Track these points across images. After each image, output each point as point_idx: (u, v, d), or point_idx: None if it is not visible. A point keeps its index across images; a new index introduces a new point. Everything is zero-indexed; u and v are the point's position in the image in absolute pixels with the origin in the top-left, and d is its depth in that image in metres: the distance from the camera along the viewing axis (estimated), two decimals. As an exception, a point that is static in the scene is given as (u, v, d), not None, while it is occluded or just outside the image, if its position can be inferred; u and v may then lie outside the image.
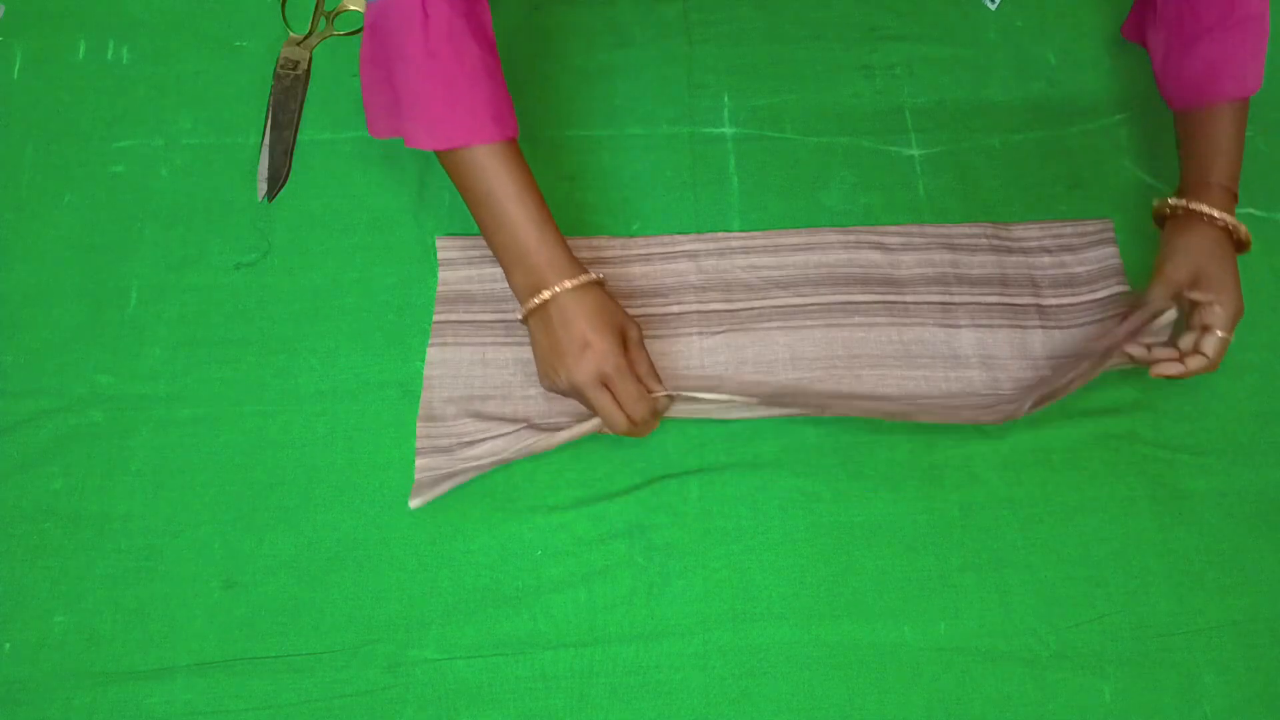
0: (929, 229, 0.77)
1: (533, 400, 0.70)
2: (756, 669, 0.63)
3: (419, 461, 0.68)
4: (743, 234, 0.77)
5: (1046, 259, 0.76)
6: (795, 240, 0.77)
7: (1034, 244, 0.77)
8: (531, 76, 0.83)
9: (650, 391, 0.64)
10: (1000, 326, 0.73)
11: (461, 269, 0.75)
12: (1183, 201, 0.69)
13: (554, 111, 0.82)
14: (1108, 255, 0.76)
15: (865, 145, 0.81)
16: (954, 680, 0.63)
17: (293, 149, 0.80)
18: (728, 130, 0.82)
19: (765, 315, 0.74)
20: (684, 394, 0.66)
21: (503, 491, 0.68)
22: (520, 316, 0.65)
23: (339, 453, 0.69)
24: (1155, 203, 0.72)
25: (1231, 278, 0.68)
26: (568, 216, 0.76)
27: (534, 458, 0.69)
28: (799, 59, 0.85)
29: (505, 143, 0.64)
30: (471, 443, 0.69)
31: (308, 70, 0.84)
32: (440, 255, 0.75)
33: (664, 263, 0.76)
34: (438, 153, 0.65)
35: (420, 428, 0.69)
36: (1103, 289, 0.75)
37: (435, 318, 0.73)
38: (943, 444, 0.70)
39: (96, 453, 0.69)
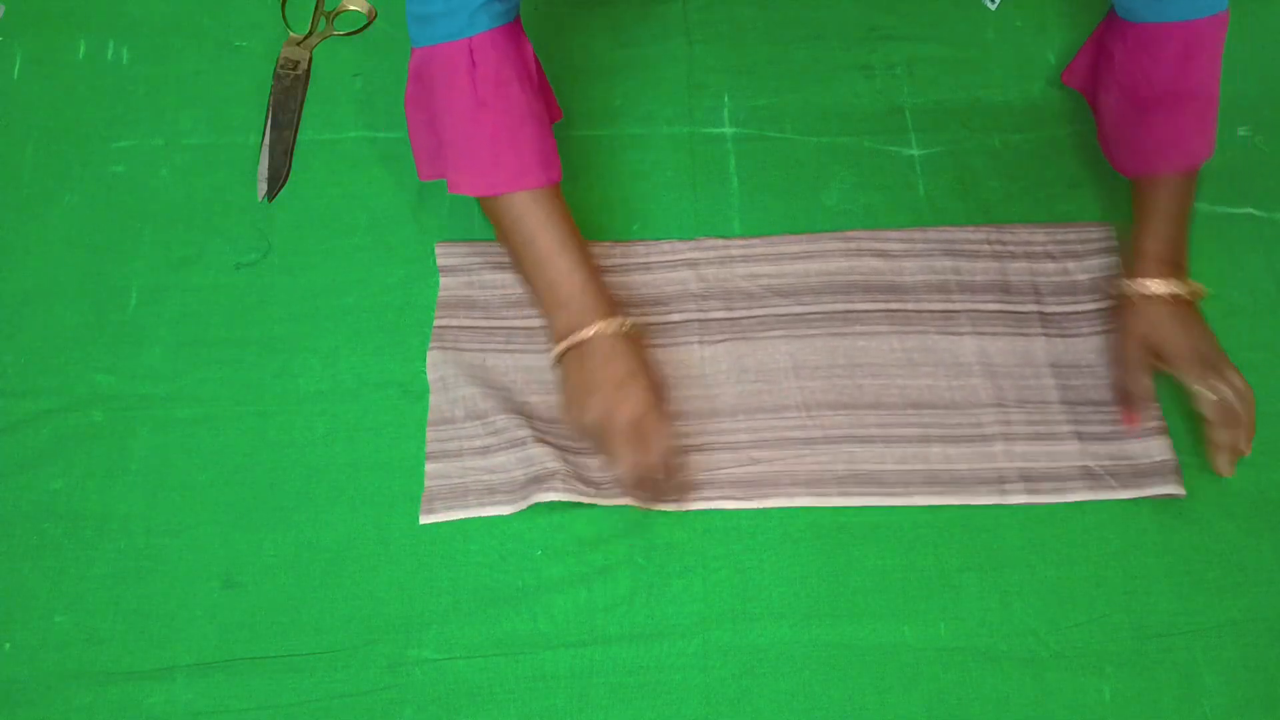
0: (931, 233, 0.77)
1: (531, 405, 0.70)
2: (756, 669, 0.63)
3: (429, 467, 0.68)
4: (742, 241, 0.76)
5: (1050, 265, 0.76)
6: (796, 248, 0.76)
7: (1038, 249, 0.76)
8: (531, 76, 0.83)
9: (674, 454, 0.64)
10: (1002, 334, 0.73)
11: (462, 275, 0.75)
12: (1124, 286, 0.68)
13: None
14: (1111, 265, 0.75)
15: (865, 145, 0.81)
16: (954, 680, 0.63)
17: (293, 149, 0.80)
18: (728, 130, 0.82)
19: (767, 324, 0.73)
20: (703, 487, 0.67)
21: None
22: (556, 354, 0.65)
23: (339, 453, 0.69)
24: (1111, 284, 0.71)
25: (1187, 331, 0.66)
26: (568, 216, 0.76)
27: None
28: (799, 59, 0.85)
29: (549, 188, 0.64)
30: (483, 450, 0.68)
31: (308, 70, 0.84)
32: (440, 262, 0.75)
33: (664, 271, 0.75)
34: (480, 199, 0.66)
35: (430, 432, 0.69)
36: (1105, 299, 0.74)
37: (436, 323, 0.73)
38: (943, 444, 0.70)
39: (96, 453, 0.69)
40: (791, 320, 0.73)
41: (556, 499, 0.65)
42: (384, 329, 0.73)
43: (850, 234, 0.77)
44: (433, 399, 0.70)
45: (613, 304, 0.66)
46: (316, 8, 0.87)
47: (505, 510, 0.66)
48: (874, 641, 0.64)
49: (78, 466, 0.68)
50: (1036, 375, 0.72)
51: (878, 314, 0.74)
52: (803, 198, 0.79)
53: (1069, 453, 0.69)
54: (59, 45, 0.84)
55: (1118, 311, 0.70)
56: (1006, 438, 0.69)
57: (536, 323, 0.73)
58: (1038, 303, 0.74)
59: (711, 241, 0.76)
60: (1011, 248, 0.76)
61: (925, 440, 0.69)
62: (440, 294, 0.74)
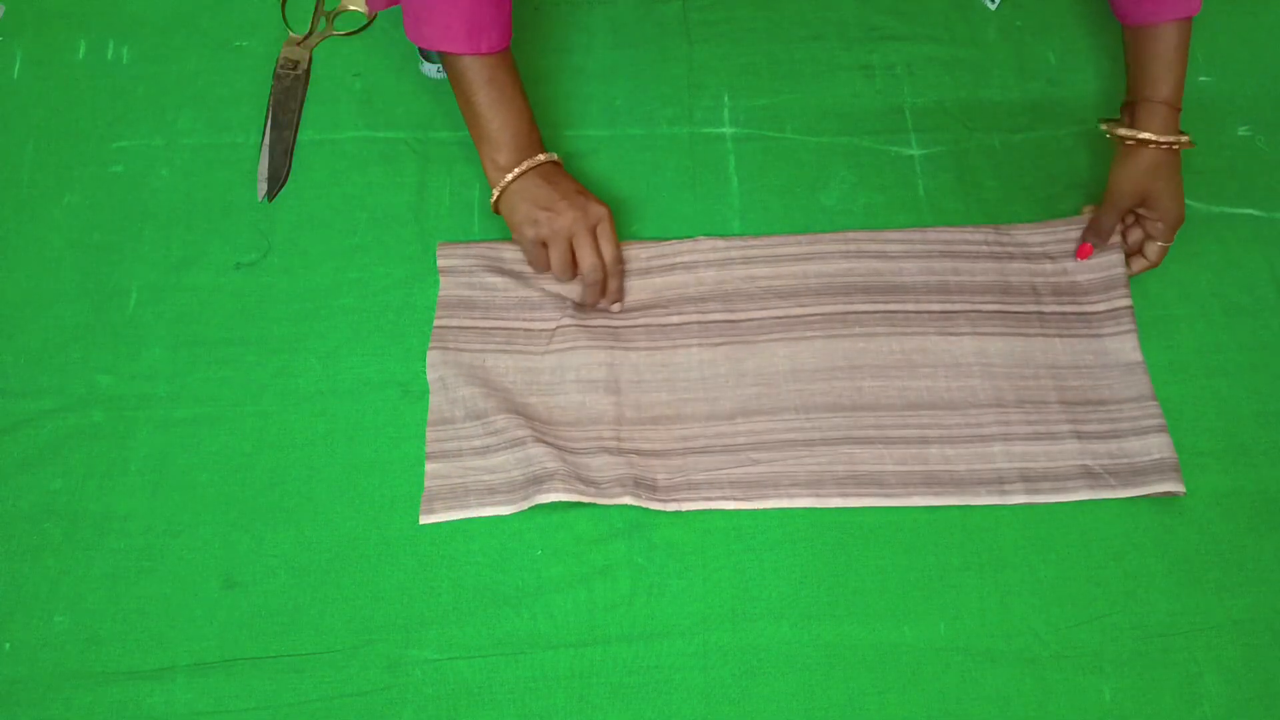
0: (930, 234, 0.77)
1: (531, 407, 0.70)
2: (756, 669, 0.63)
3: (429, 467, 0.68)
4: (741, 241, 0.76)
5: (1049, 265, 0.76)
6: (794, 250, 0.76)
7: (1037, 249, 0.76)
8: (531, 76, 0.83)
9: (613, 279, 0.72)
10: (1001, 335, 0.73)
11: (462, 276, 0.75)
12: (1132, 132, 0.72)
13: (554, 111, 0.82)
14: (1113, 264, 0.75)
15: (865, 145, 0.81)
16: (954, 680, 0.63)
17: (293, 149, 0.80)
18: (728, 130, 0.82)
19: (765, 327, 0.73)
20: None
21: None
22: (508, 180, 0.70)
23: (339, 453, 0.69)
24: (1103, 125, 0.75)
25: (1174, 194, 0.72)
26: (568, 216, 0.76)
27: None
28: (799, 59, 0.85)
29: (492, 56, 0.70)
30: (483, 450, 0.68)
31: (308, 70, 0.84)
32: (440, 263, 0.75)
33: (663, 274, 0.75)
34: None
35: (430, 432, 0.69)
36: (1103, 302, 0.74)
37: (436, 323, 0.73)
38: (943, 444, 0.70)
39: (96, 453, 0.69)
40: (790, 322, 0.73)
41: (556, 499, 0.65)
42: (384, 329, 0.73)
43: (849, 235, 0.77)
44: (433, 399, 0.70)
45: (542, 144, 0.73)
46: (316, 8, 0.87)
47: (505, 510, 0.67)
48: (874, 641, 0.64)
49: (78, 466, 0.68)
50: (1035, 375, 0.72)
51: (876, 315, 0.74)
52: (803, 198, 0.79)
53: (1068, 452, 0.69)
54: (59, 45, 0.84)
55: (1117, 150, 0.74)
56: (1005, 438, 0.69)
57: (536, 324, 0.73)
58: (1037, 303, 0.74)
59: (710, 243, 0.76)
60: (1010, 249, 0.76)
61: (924, 441, 0.69)
62: (440, 294, 0.74)
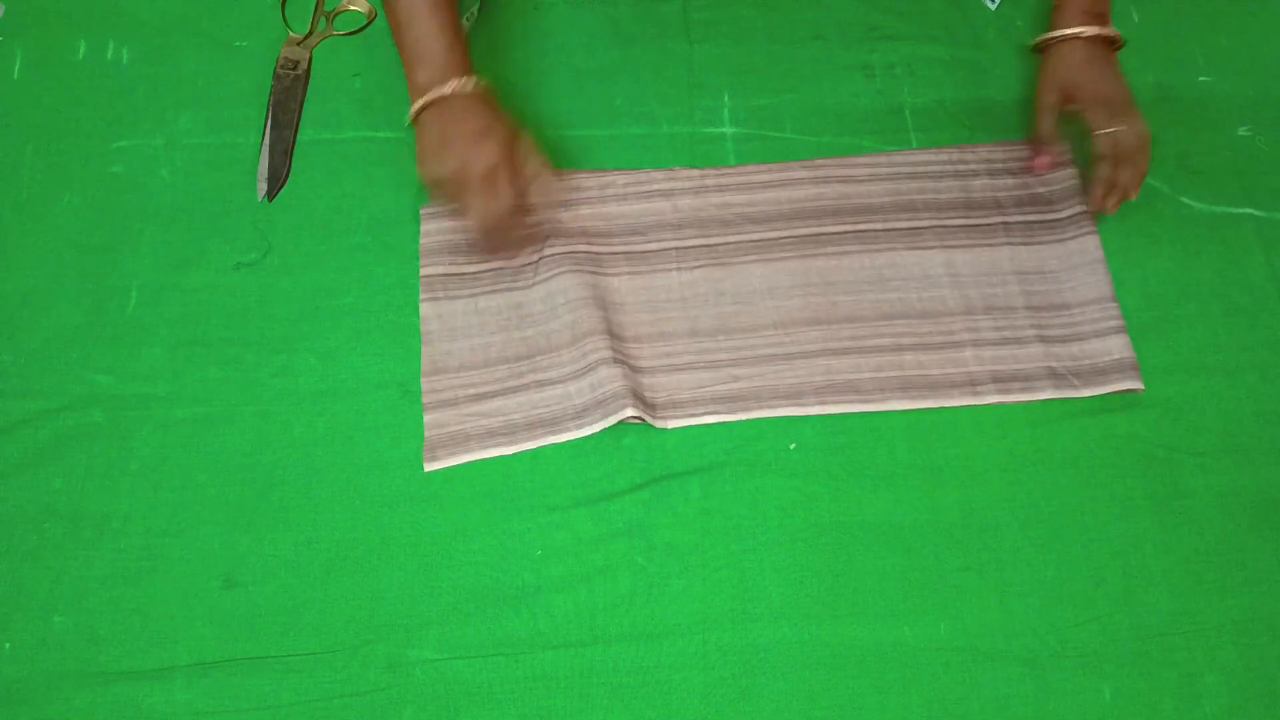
0: (895, 157, 0.80)
1: (530, 340, 0.72)
2: (756, 669, 0.63)
3: (427, 418, 0.70)
4: (716, 171, 0.79)
5: (1010, 180, 0.79)
6: (767, 177, 0.79)
7: (999, 166, 0.79)
8: (532, 76, 0.83)
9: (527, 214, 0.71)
10: (968, 246, 0.76)
11: (445, 220, 0.76)
12: (1045, 35, 0.75)
13: (554, 111, 0.82)
14: (1068, 176, 0.78)
15: (865, 145, 0.81)
16: (954, 680, 0.63)
17: (293, 149, 0.80)
18: (728, 130, 0.82)
19: (741, 249, 0.76)
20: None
21: (503, 491, 0.68)
22: (415, 109, 0.69)
23: (339, 453, 0.69)
24: (1031, 48, 0.77)
25: (1108, 78, 0.73)
26: (568, 216, 0.76)
27: (534, 455, 0.69)
28: (799, 59, 0.85)
29: None
30: (478, 396, 0.70)
31: (308, 70, 0.84)
32: (423, 210, 0.77)
33: (640, 201, 0.78)
34: None
35: (425, 383, 0.71)
36: (1066, 209, 0.77)
37: (422, 271, 0.75)
38: (943, 444, 0.70)
39: (96, 453, 0.69)
40: (765, 245, 0.76)
41: (564, 439, 0.68)
42: (384, 329, 0.73)
43: (817, 162, 0.80)
44: (425, 350, 0.72)
45: (469, 67, 0.70)
46: (316, 8, 0.87)
47: (507, 450, 0.69)
48: (874, 641, 0.64)
49: (78, 466, 0.68)
50: (1003, 283, 0.75)
51: (847, 235, 0.76)
52: (803, 198, 0.79)
53: (1034, 355, 0.72)
54: (59, 45, 0.84)
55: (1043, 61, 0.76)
56: (976, 344, 0.73)
57: (520, 258, 0.75)
58: (1001, 214, 0.77)
59: (686, 172, 0.79)
60: (974, 166, 0.79)
61: (899, 349, 0.72)
62: (422, 241, 0.76)
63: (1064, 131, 0.77)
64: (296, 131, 0.81)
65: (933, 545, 0.67)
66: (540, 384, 0.71)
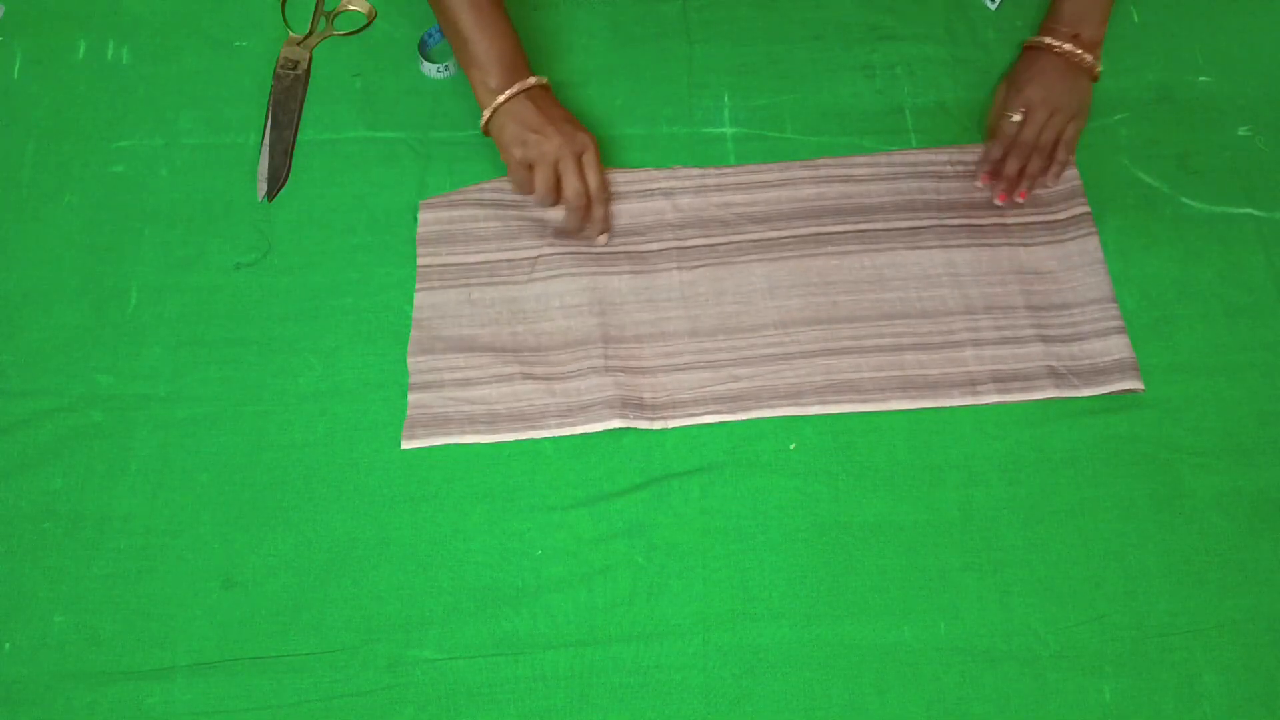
0: (895, 157, 0.80)
1: (519, 336, 0.73)
2: (756, 669, 0.63)
3: (411, 397, 0.70)
4: (717, 170, 0.79)
5: None
6: (768, 177, 0.79)
7: None
8: (531, 76, 0.83)
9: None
10: (968, 246, 0.76)
11: (442, 210, 0.77)
12: (1029, 41, 0.79)
13: (554, 111, 0.82)
14: (1069, 177, 0.79)
15: (865, 145, 0.81)
16: (954, 680, 0.63)
17: (293, 149, 0.80)
18: (728, 130, 0.82)
19: (743, 249, 0.76)
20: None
21: (503, 491, 0.68)
22: (490, 111, 0.73)
23: (339, 453, 0.69)
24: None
25: (1054, 83, 0.76)
26: (568, 216, 0.76)
27: (534, 457, 0.69)
28: (799, 59, 0.85)
29: None
30: (464, 382, 0.71)
31: (308, 70, 0.84)
32: (422, 214, 0.77)
33: (641, 200, 0.78)
34: None
35: (411, 363, 0.71)
36: (1064, 210, 0.77)
37: (419, 261, 0.75)
38: (942, 444, 0.70)
39: (96, 453, 0.69)
40: (766, 245, 0.76)
41: (544, 435, 0.69)
42: (384, 329, 0.73)
43: (818, 162, 0.80)
44: (414, 333, 0.73)
45: (530, 68, 0.75)
46: (316, 8, 0.87)
47: (486, 439, 0.69)
48: (874, 641, 0.64)
49: (78, 466, 0.68)
50: (1002, 282, 0.75)
51: (848, 234, 0.77)
52: (803, 198, 0.79)
53: (1034, 354, 0.72)
54: (59, 45, 0.84)
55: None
56: (976, 343, 0.73)
57: (518, 253, 0.76)
58: (1000, 215, 0.77)
59: (687, 171, 0.79)
60: (974, 167, 0.79)
61: (898, 349, 0.72)
62: (420, 230, 0.76)
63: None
64: (296, 131, 0.81)
65: (933, 545, 0.67)
66: (526, 378, 0.71)
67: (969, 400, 0.71)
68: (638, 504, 0.68)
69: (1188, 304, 0.75)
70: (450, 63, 0.83)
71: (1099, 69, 0.78)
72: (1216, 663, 0.64)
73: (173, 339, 0.73)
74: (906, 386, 0.71)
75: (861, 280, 0.75)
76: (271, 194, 0.78)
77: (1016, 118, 0.76)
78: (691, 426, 0.70)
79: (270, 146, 0.80)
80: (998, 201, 0.76)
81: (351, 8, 0.87)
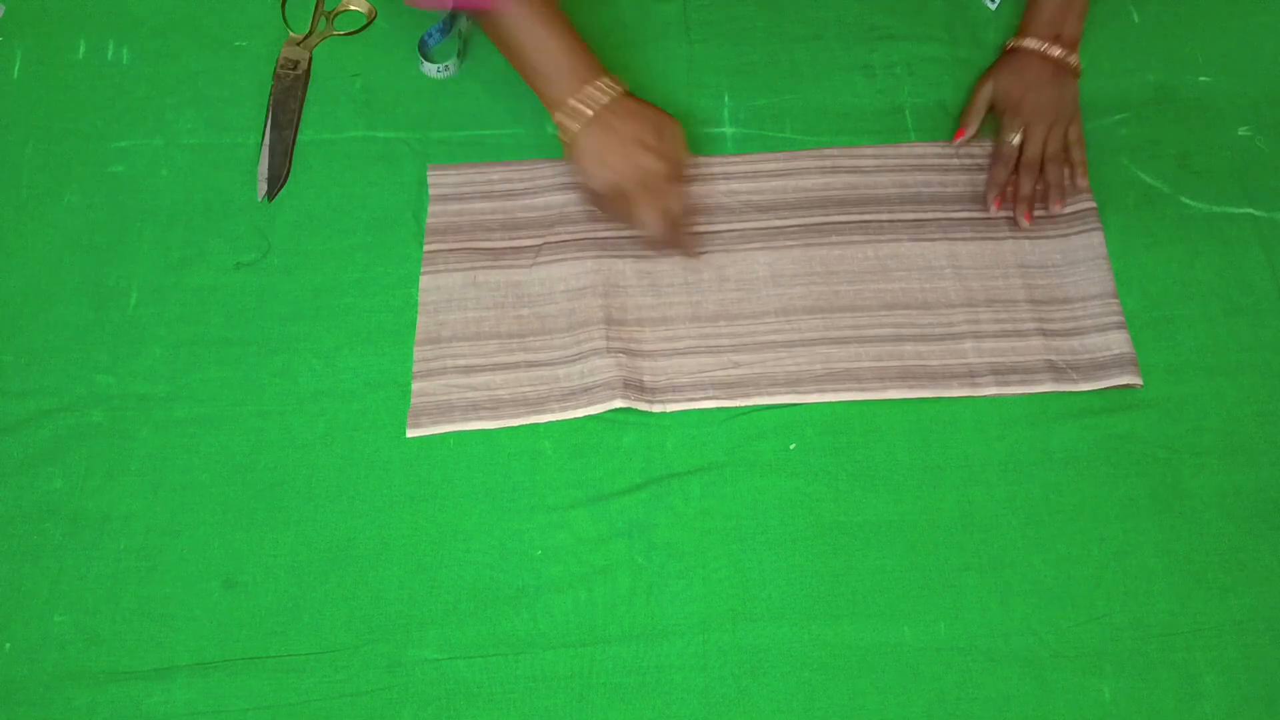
0: (902, 149, 0.80)
1: (524, 319, 0.73)
2: (756, 669, 0.63)
3: (415, 385, 0.71)
4: (722, 159, 0.80)
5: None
6: (773, 166, 0.79)
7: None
8: (531, 76, 0.83)
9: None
10: (971, 239, 0.76)
11: (453, 204, 0.78)
12: (1011, 43, 0.79)
13: (554, 111, 0.82)
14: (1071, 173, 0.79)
15: (866, 145, 0.81)
16: (954, 680, 0.63)
17: (293, 149, 0.80)
18: (728, 130, 0.82)
19: (747, 236, 0.77)
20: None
21: (503, 491, 0.68)
22: (569, 135, 0.70)
23: (339, 453, 0.69)
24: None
25: (1033, 87, 0.76)
26: (568, 216, 0.76)
27: (534, 457, 0.69)
28: (799, 59, 0.85)
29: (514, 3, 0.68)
30: (467, 369, 0.71)
31: (308, 70, 0.84)
32: (432, 191, 0.78)
33: None
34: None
35: (416, 351, 0.72)
36: (1069, 204, 0.77)
37: (425, 247, 0.76)
38: (943, 444, 0.70)
39: (96, 453, 0.69)
40: (770, 233, 0.77)
41: (547, 420, 0.69)
42: (384, 329, 0.73)
43: (824, 151, 0.80)
44: (420, 319, 0.73)
45: (601, 71, 0.71)
46: (316, 8, 0.87)
47: (489, 425, 0.70)
48: (874, 641, 0.64)
49: (78, 466, 0.68)
50: (1005, 275, 0.75)
51: (852, 225, 0.77)
52: (803, 198, 0.79)
53: (1034, 348, 0.72)
54: (59, 45, 0.84)
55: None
56: (976, 335, 0.73)
57: (522, 242, 0.76)
58: (1006, 209, 0.77)
59: (692, 159, 0.79)
60: (980, 161, 0.80)
61: (899, 339, 0.73)
62: (429, 220, 0.77)
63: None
64: (296, 131, 0.81)
65: (933, 545, 0.67)
66: (530, 364, 0.71)
67: (967, 391, 0.71)
68: (638, 504, 0.68)
69: (1188, 304, 0.75)
70: (451, 62, 0.83)
71: (1080, 65, 0.78)
72: (1216, 663, 0.64)
73: (173, 339, 0.73)
74: (906, 376, 0.71)
75: (864, 270, 0.75)
76: (271, 194, 0.78)
77: (1017, 140, 0.76)
78: (692, 425, 0.70)
79: (270, 146, 0.80)
80: (1024, 222, 0.75)
81: (351, 8, 0.87)
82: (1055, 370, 0.71)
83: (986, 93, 0.78)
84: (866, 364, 0.72)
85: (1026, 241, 0.76)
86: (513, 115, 0.82)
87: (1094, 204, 0.77)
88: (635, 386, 0.70)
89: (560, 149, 0.80)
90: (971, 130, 0.79)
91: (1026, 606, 0.65)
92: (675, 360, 0.72)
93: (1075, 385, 0.71)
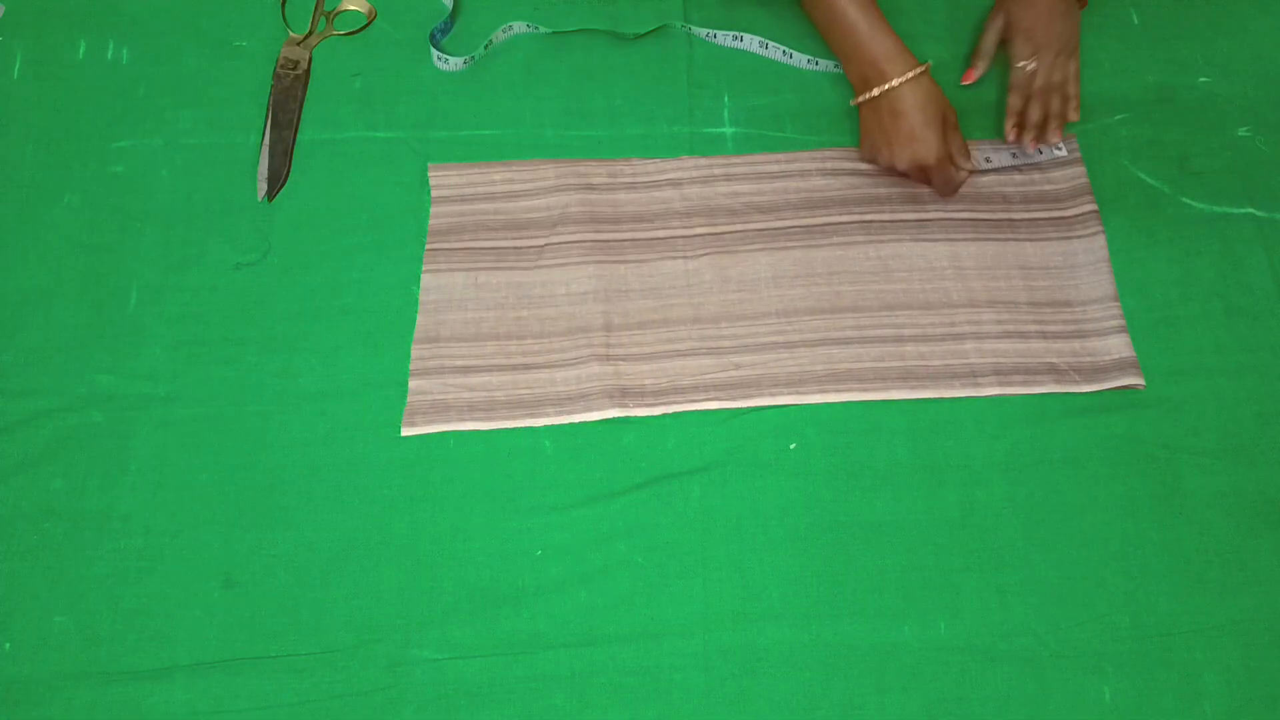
0: None
1: (524, 321, 0.73)
2: (756, 669, 0.63)
3: (412, 384, 0.71)
4: (724, 160, 0.80)
5: (1017, 176, 0.79)
6: (775, 167, 0.80)
7: (1006, 162, 0.79)
8: (532, 77, 0.83)
9: (959, 168, 0.75)
10: (973, 239, 0.77)
11: (455, 204, 0.78)
12: None
13: (554, 111, 0.82)
14: (1077, 174, 0.79)
15: (865, 145, 0.81)
16: (954, 680, 0.63)
17: (293, 149, 0.80)
18: (728, 130, 0.82)
19: (748, 238, 0.77)
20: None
21: (503, 491, 0.68)
22: (853, 103, 0.75)
23: (339, 453, 0.69)
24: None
25: (1045, 15, 0.77)
26: (568, 216, 0.76)
27: (534, 457, 0.69)
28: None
29: None
30: (465, 369, 0.71)
31: (308, 70, 0.84)
32: (434, 191, 0.78)
33: (649, 190, 0.78)
34: None
35: (415, 350, 0.72)
36: (1072, 208, 0.78)
37: (428, 246, 0.76)
38: (943, 444, 0.70)
39: (96, 453, 0.69)
40: (772, 234, 0.77)
41: (541, 424, 0.69)
42: (384, 329, 0.73)
43: (826, 152, 0.80)
44: (420, 318, 0.73)
45: (901, 50, 0.74)
46: (316, 8, 0.87)
47: (484, 426, 0.69)
48: (874, 641, 0.64)
49: (78, 466, 0.68)
50: (1007, 277, 0.75)
51: (854, 225, 0.77)
52: (803, 198, 0.79)
53: (1036, 349, 0.72)
54: (59, 45, 0.84)
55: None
56: (977, 336, 0.73)
57: (525, 243, 0.76)
58: (1007, 210, 0.78)
59: (694, 160, 0.80)
60: (981, 161, 0.80)
61: (900, 340, 0.73)
62: (431, 221, 0.77)
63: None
64: (296, 131, 0.81)
65: (933, 545, 0.67)
66: (528, 366, 0.71)
67: (969, 391, 0.71)
68: (638, 504, 0.68)
69: (1188, 304, 0.75)
70: (462, 58, 0.83)
71: None
72: (1216, 663, 0.64)
73: (172, 339, 0.73)
74: (907, 377, 0.71)
75: (865, 271, 0.75)
76: (271, 194, 0.78)
77: (1031, 66, 0.78)
78: (692, 424, 0.70)
79: (270, 146, 0.80)
80: (1029, 149, 0.78)
81: (351, 8, 0.87)
82: (1057, 373, 0.71)
83: (998, 25, 0.80)
84: (868, 364, 0.72)
85: (1028, 243, 0.76)
86: (513, 115, 0.82)
87: (1096, 206, 0.77)
88: (634, 393, 0.70)
89: (563, 151, 0.80)
90: (980, 70, 0.81)
91: (1026, 606, 0.65)
92: (677, 361, 0.72)
93: (1077, 387, 0.71)
